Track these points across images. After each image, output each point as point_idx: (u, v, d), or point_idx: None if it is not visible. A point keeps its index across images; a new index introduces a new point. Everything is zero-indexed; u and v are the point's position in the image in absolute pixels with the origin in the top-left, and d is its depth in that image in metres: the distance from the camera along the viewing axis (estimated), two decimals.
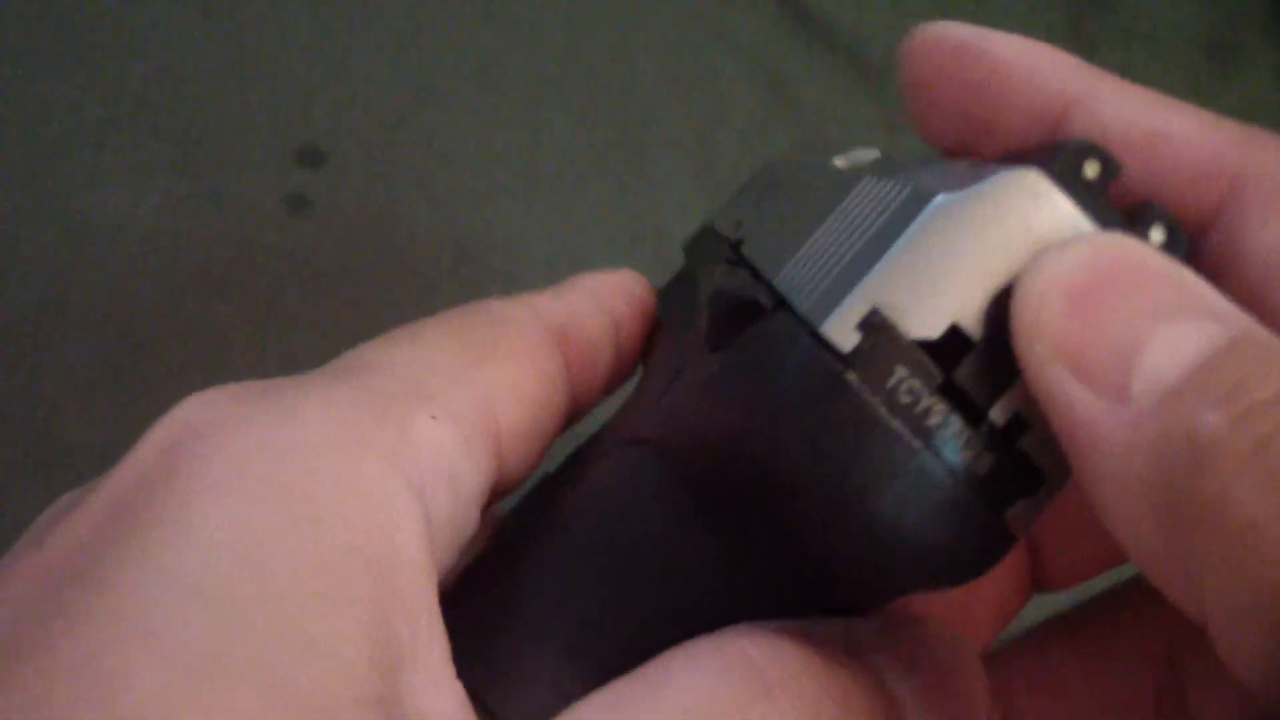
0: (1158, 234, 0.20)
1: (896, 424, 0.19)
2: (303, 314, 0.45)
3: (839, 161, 0.25)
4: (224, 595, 0.18)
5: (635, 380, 0.28)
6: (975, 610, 0.28)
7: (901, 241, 0.19)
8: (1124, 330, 0.17)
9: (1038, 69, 0.22)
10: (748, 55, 0.51)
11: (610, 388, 0.28)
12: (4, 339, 0.44)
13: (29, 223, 0.45)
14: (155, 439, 0.20)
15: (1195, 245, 0.21)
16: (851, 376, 0.19)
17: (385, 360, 0.23)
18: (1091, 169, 0.20)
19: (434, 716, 0.19)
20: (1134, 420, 0.16)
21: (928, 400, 0.19)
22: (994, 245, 0.19)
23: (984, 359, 0.19)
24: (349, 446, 0.20)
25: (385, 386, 0.22)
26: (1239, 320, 0.17)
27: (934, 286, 0.19)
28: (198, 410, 0.20)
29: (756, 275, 0.22)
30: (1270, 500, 0.15)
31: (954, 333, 0.19)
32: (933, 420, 0.19)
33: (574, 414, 0.27)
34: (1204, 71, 0.51)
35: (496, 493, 0.25)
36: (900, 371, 0.19)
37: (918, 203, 0.19)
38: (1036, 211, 0.19)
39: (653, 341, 0.28)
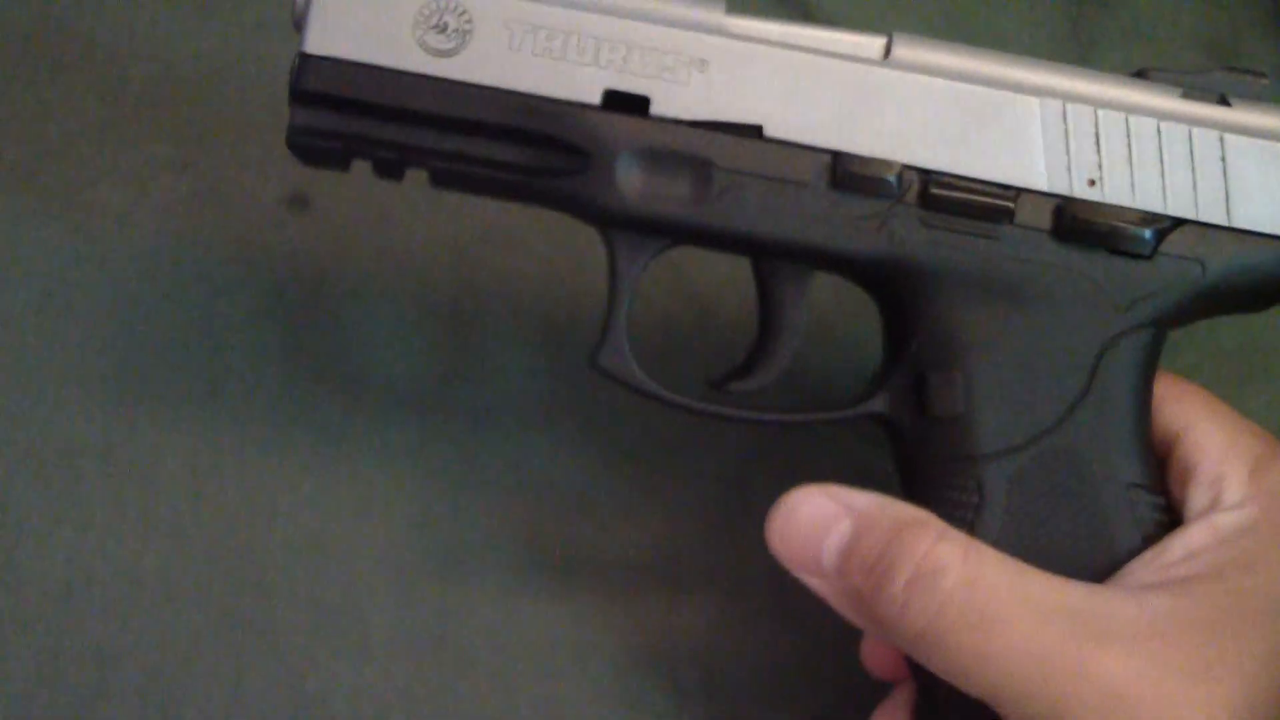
0: None
1: None
2: (303, 314, 0.45)
3: None
4: None
5: None
6: None
7: None
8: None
9: None
10: None
11: None
12: (4, 339, 0.44)
13: (29, 223, 0.45)
14: None
15: None
16: None
17: None
18: None
19: None
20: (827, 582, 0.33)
21: None
22: None
23: None
24: None
25: None
26: (860, 517, 0.33)
27: None
28: None
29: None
30: (899, 607, 0.31)
31: None
32: None
33: None
34: None
35: None
36: None
37: None
38: None
39: None
